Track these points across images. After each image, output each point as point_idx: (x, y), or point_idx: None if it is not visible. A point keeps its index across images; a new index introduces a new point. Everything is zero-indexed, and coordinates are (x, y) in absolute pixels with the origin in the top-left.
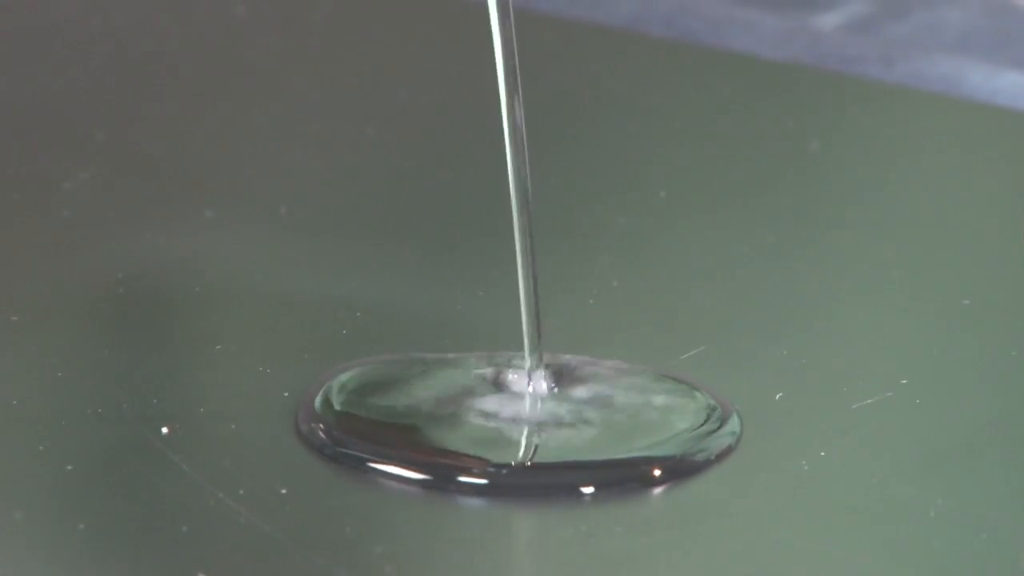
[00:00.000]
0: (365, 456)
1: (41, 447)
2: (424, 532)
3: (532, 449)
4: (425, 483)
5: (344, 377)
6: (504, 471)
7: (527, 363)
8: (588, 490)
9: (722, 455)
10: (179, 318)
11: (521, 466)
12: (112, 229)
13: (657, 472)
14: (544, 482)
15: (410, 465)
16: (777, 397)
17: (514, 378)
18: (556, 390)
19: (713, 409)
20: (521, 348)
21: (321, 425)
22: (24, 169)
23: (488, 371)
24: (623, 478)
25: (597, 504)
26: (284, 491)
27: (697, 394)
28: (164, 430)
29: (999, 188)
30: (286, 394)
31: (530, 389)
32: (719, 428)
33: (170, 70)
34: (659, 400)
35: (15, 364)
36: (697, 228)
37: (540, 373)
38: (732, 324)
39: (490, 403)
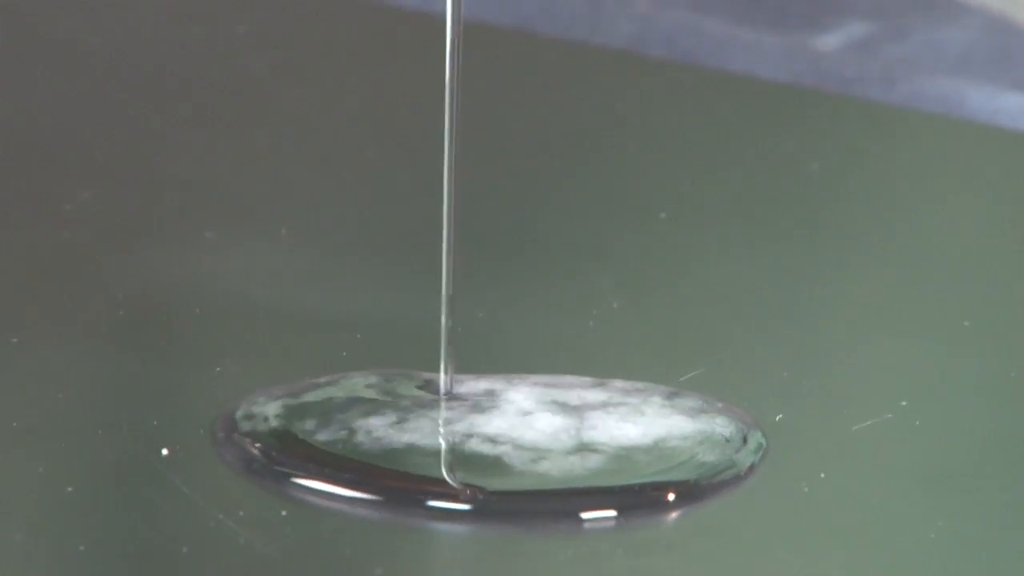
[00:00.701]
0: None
1: (41, 468)
2: (424, 554)
3: (527, 475)
4: (425, 506)
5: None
6: (498, 496)
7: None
8: (588, 515)
9: (724, 478)
10: (179, 339)
11: (514, 492)
12: (112, 250)
13: (657, 495)
14: (541, 507)
15: (409, 489)
16: (777, 419)
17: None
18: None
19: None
20: (518, 368)
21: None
22: (24, 190)
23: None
24: (624, 503)
25: (597, 526)
26: (284, 512)
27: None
28: (164, 451)
29: (1000, 209)
30: None
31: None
32: (739, 450)
33: (170, 90)
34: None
35: (15, 385)
36: (697, 249)
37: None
38: (732, 345)
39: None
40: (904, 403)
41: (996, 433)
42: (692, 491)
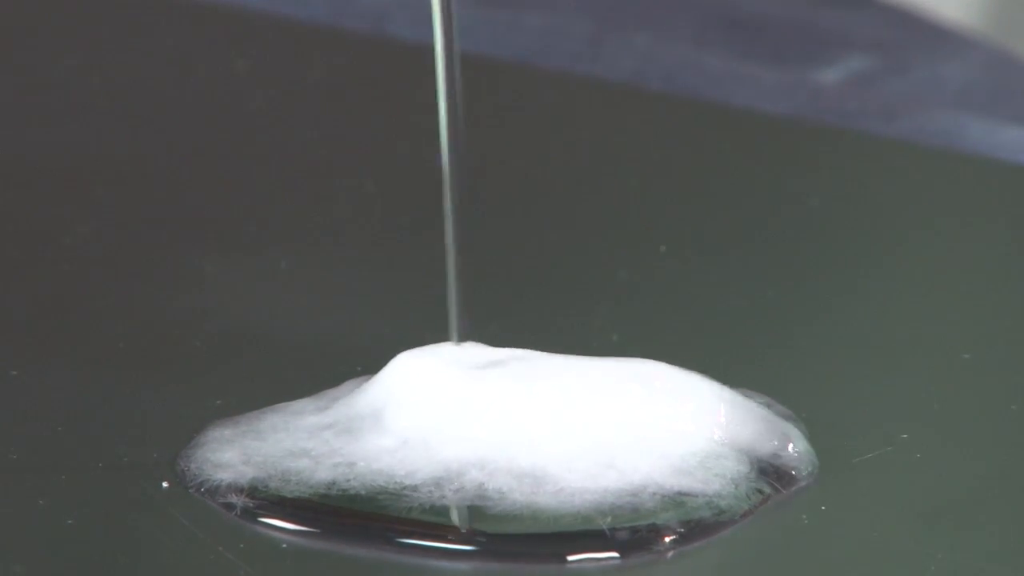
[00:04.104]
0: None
1: (41, 501)
2: None
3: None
4: (424, 542)
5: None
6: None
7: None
8: (574, 558)
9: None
10: (179, 372)
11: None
12: (111, 283)
13: (656, 527)
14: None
15: (408, 525)
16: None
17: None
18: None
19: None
20: None
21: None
22: (24, 224)
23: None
24: (631, 541)
25: (596, 562)
26: (284, 545)
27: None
28: (164, 484)
29: (999, 242)
30: None
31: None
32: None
33: (170, 125)
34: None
35: (15, 417)
36: (697, 282)
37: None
38: (733, 378)
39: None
40: (905, 436)
41: (997, 466)
42: (693, 526)
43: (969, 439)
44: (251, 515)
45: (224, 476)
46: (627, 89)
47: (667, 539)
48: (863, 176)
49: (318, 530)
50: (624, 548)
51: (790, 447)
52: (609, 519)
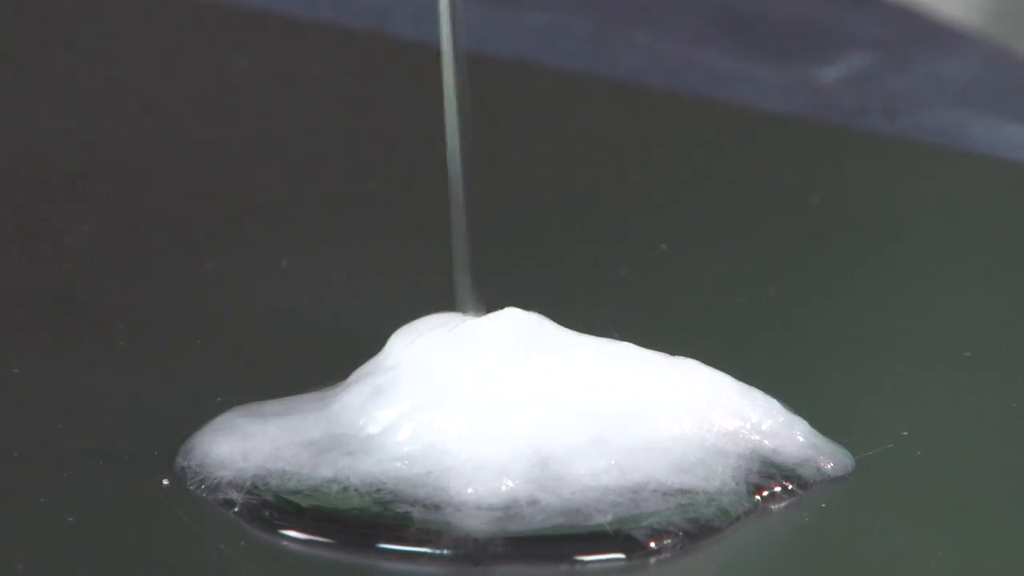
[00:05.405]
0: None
1: (42, 498)
2: None
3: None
4: (426, 546)
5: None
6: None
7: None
8: (575, 557)
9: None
10: (180, 370)
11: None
12: (113, 281)
13: (656, 525)
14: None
15: (408, 524)
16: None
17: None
18: None
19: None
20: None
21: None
22: (25, 222)
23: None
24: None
25: (597, 560)
26: (285, 543)
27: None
28: (165, 482)
29: (1000, 240)
30: None
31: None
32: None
33: (171, 123)
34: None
35: (16, 415)
36: (697, 280)
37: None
38: (733, 375)
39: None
40: (905, 433)
41: (997, 465)
42: (694, 524)
43: (970, 437)
44: (251, 512)
45: (224, 473)
46: (628, 87)
47: (668, 537)
48: (864, 174)
49: (319, 527)
50: (625, 546)
51: (796, 443)
52: (610, 517)
